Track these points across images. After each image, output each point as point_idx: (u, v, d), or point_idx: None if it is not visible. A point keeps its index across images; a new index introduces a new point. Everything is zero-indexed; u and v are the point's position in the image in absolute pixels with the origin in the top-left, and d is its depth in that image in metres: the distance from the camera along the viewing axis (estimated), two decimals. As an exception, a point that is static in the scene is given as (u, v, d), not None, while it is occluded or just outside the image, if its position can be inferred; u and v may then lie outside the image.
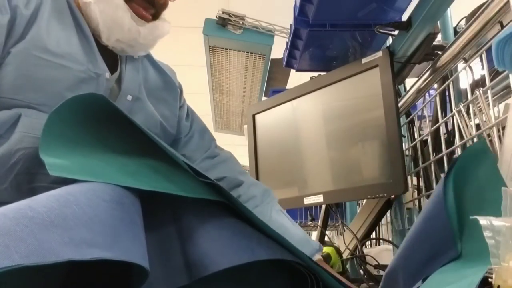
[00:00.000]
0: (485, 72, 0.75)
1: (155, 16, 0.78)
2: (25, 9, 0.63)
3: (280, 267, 0.60)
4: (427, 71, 0.95)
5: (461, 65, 0.88)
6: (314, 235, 1.83)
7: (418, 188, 1.06)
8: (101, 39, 0.71)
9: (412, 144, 1.09)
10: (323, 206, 1.36)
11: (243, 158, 1.45)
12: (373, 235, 1.13)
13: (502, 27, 0.78)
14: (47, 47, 0.63)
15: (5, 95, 0.59)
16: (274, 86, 2.22)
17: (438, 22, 1.01)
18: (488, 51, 0.76)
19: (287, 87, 2.21)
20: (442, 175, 0.67)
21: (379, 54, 0.95)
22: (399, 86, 1.17)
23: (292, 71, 1.33)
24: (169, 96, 0.87)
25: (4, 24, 0.60)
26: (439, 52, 0.92)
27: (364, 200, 1.28)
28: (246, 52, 1.88)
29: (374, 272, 1.01)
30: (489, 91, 0.73)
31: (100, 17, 0.69)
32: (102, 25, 0.69)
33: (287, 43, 1.22)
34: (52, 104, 0.61)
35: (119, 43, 0.72)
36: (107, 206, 0.45)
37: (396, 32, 0.98)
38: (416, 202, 1.09)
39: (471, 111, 0.79)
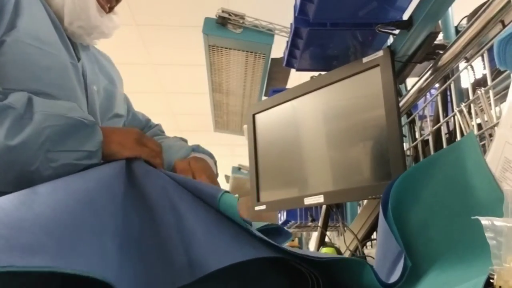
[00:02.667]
0: (487, 71, 0.75)
1: (110, 9, 0.81)
2: None
3: (277, 266, 0.59)
4: (428, 70, 0.95)
5: (462, 64, 0.87)
6: (315, 235, 1.82)
7: (419, 188, 1.06)
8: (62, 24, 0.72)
9: (413, 144, 1.08)
10: (324, 207, 1.36)
11: (243, 158, 1.45)
12: (374, 235, 1.12)
13: (504, 26, 0.78)
14: (38, 35, 0.64)
15: (6, 86, 0.59)
16: (274, 85, 2.21)
17: (440, 21, 1.01)
18: (490, 50, 0.75)
19: (287, 87, 2.20)
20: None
21: (380, 53, 0.94)
22: (400, 86, 1.17)
23: (292, 70, 1.32)
24: (118, 80, 0.91)
25: None
26: (441, 52, 0.92)
27: (365, 201, 1.27)
28: (246, 51, 1.88)
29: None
30: (490, 91, 0.73)
31: (67, 2, 0.70)
32: (68, 10, 0.70)
33: (287, 42, 1.22)
34: (50, 93, 0.62)
35: (80, 29, 0.73)
36: (76, 208, 0.45)
37: (397, 31, 0.98)
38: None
39: (472, 110, 0.78)
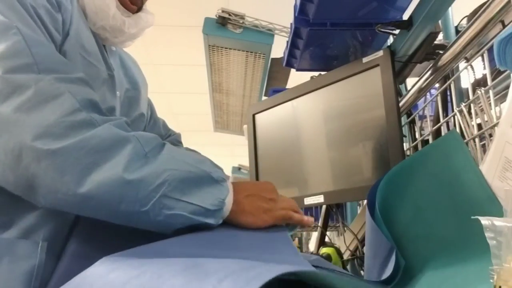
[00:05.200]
0: (487, 71, 0.75)
1: (139, 8, 0.78)
2: (68, 3, 0.64)
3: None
4: (428, 70, 0.95)
5: (462, 64, 0.87)
6: (315, 235, 1.83)
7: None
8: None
9: (413, 144, 1.08)
10: (324, 207, 1.36)
11: (243, 158, 1.45)
12: (374, 235, 1.12)
13: (504, 26, 0.78)
14: (84, 45, 0.64)
15: None
16: (274, 85, 2.21)
17: (440, 21, 1.01)
18: (490, 50, 0.75)
19: (287, 87, 2.20)
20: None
21: (380, 53, 0.94)
22: (400, 86, 1.17)
23: (292, 70, 1.32)
24: (142, 84, 0.90)
25: (60, 21, 0.60)
26: (441, 52, 0.92)
27: (365, 201, 1.27)
28: (246, 51, 1.88)
29: (375, 272, 1.01)
30: (490, 91, 0.73)
31: (87, 2, 0.70)
32: (89, 9, 0.70)
33: (287, 42, 1.22)
34: None
35: (104, 30, 0.72)
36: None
37: (397, 31, 0.98)
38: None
39: (472, 110, 0.78)
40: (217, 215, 0.55)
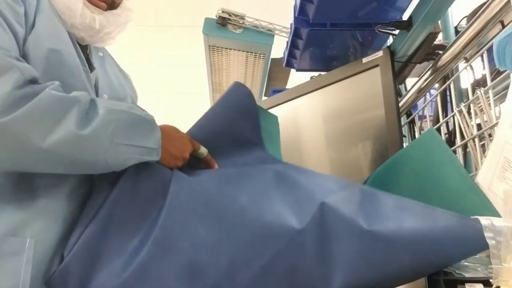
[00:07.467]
0: (486, 71, 0.75)
1: (114, 5, 0.78)
2: None
3: None
4: (428, 70, 0.95)
5: (462, 64, 0.88)
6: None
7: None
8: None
9: (413, 144, 1.08)
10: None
11: (243, 158, 1.44)
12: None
13: (503, 26, 0.78)
14: (54, 34, 0.66)
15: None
16: (274, 85, 2.21)
17: (439, 22, 1.01)
18: (489, 50, 0.76)
19: (287, 87, 2.20)
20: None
21: (380, 53, 0.94)
22: (399, 86, 1.17)
23: (292, 70, 1.32)
24: (130, 92, 0.90)
25: (22, 14, 0.63)
26: (440, 52, 0.92)
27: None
28: (246, 51, 1.87)
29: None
30: (490, 91, 0.73)
31: (55, 2, 0.71)
32: (58, 9, 0.71)
33: (287, 42, 1.22)
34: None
35: (77, 30, 0.73)
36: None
37: (396, 32, 0.98)
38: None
39: (472, 111, 0.79)
40: (157, 152, 0.65)
